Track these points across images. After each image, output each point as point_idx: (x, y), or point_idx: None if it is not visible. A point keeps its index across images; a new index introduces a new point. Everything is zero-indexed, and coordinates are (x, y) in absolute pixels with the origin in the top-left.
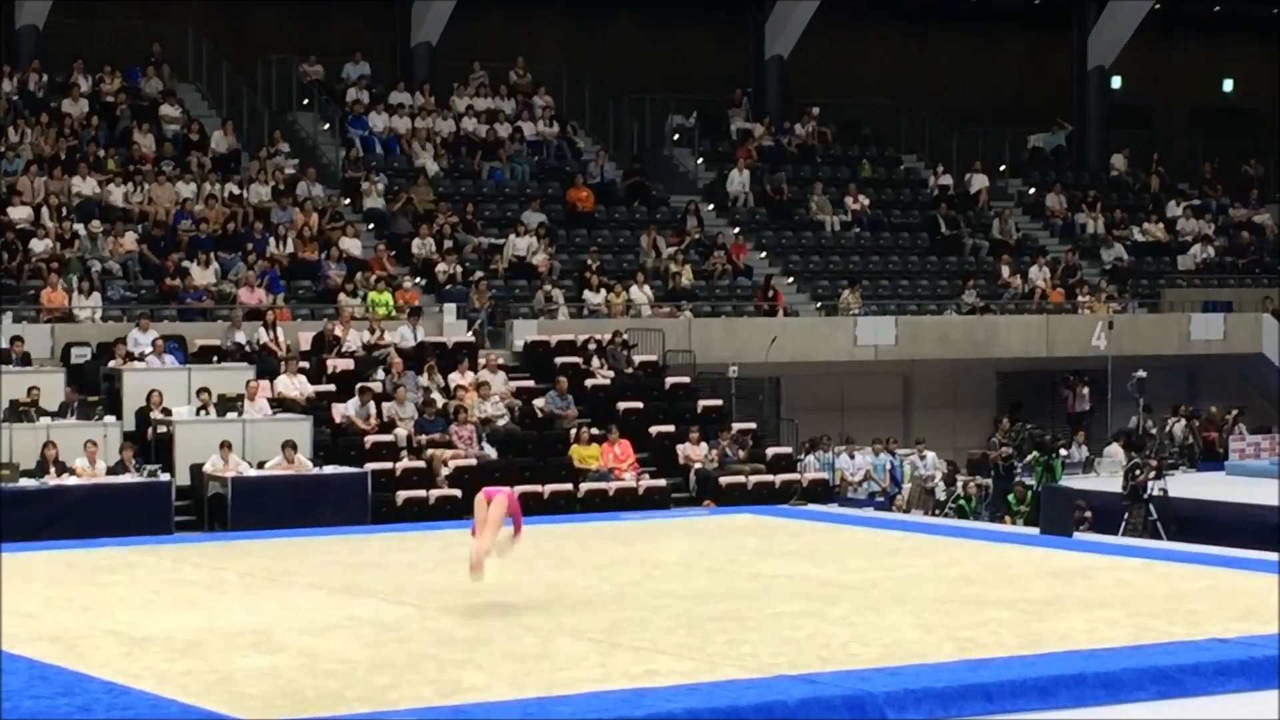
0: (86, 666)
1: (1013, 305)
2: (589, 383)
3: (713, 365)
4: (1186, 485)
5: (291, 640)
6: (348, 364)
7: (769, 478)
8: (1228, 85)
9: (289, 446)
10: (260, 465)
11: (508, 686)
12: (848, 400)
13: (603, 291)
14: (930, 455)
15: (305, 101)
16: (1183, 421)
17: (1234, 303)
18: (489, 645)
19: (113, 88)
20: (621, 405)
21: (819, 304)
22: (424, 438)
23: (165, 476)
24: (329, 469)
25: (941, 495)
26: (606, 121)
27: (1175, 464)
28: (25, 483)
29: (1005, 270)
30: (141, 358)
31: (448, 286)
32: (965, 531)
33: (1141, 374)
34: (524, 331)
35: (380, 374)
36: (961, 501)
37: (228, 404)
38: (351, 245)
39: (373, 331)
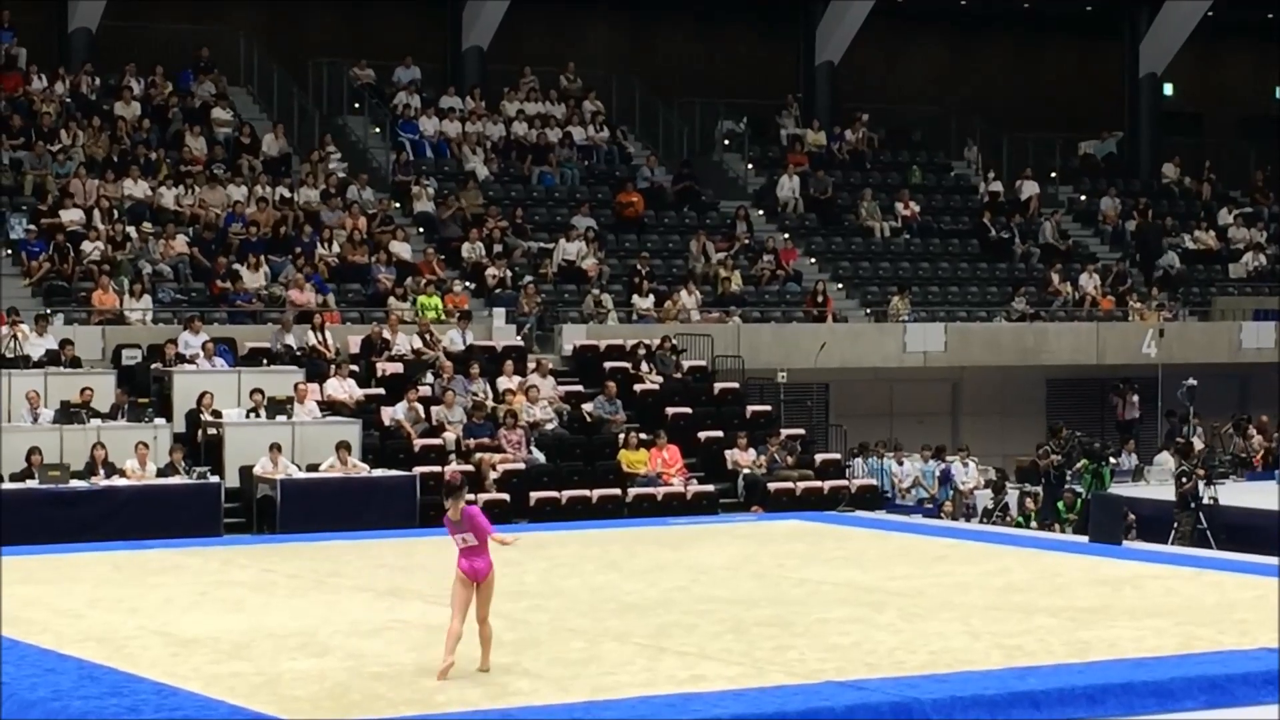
0: (135, 667)
1: (1063, 312)
2: (638, 387)
3: (761, 370)
4: (1236, 494)
5: (339, 643)
6: (397, 367)
7: (817, 484)
8: (1279, 93)
9: (343, 448)
10: (311, 468)
11: (554, 690)
12: (896, 406)
13: (651, 296)
14: (972, 464)
15: (356, 105)
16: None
17: None
18: (536, 648)
19: (164, 91)
20: (670, 410)
21: (868, 310)
22: (472, 441)
23: (214, 478)
24: (377, 472)
25: (989, 504)
26: (656, 126)
27: (1225, 473)
28: (75, 483)
29: (1055, 277)
30: (192, 360)
31: (497, 290)
32: (1013, 539)
33: (1192, 382)
34: (573, 336)
35: (429, 378)
36: (1019, 519)
37: (277, 406)
38: (401, 249)
39: (422, 335)
